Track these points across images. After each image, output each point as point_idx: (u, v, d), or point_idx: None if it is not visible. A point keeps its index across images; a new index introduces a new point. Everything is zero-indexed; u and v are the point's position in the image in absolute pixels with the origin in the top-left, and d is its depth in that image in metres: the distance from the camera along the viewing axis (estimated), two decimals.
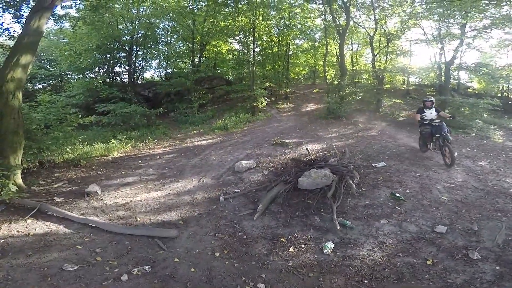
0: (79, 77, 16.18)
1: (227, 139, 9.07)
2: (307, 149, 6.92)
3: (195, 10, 14.56)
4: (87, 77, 15.84)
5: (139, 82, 17.04)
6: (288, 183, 4.90)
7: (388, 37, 12.78)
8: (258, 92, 12.47)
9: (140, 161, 7.32)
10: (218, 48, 16.86)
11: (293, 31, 15.34)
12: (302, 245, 3.53)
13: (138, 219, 4.32)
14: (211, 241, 3.69)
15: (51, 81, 17.32)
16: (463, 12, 9.81)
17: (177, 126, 12.02)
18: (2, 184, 4.34)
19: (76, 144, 7.67)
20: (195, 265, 3.20)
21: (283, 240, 3.66)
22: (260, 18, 13.62)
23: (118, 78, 16.38)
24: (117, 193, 5.28)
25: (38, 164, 6.67)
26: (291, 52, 16.59)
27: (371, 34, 12.84)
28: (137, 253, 3.41)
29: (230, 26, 13.96)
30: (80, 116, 7.50)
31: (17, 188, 4.51)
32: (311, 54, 17.13)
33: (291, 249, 3.46)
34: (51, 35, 15.86)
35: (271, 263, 3.24)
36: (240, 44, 15.36)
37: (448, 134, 5.71)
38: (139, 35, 15.25)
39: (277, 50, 16.06)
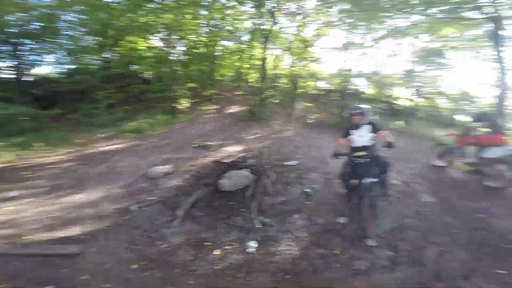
0: None
1: (141, 143, 8.49)
2: (229, 151, 7.10)
3: (112, 3, 13.16)
4: None
5: (29, 79, 14.16)
6: (209, 186, 4.94)
7: (305, 44, 14.23)
8: (180, 93, 12.05)
9: (28, 172, 6.11)
10: (135, 45, 15.36)
11: (223, 32, 15.39)
12: (227, 247, 3.63)
13: (29, 237, 3.72)
14: (125, 254, 3.45)
15: None
16: (367, 23, 11.81)
17: (80, 130, 10.48)
18: None
19: None
20: (108, 279, 2.97)
21: (208, 244, 3.69)
22: (188, 16, 13.19)
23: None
24: None
25: None
26: (218, 53, 16.60)
27: (291, 40, 14.08)
28: (35, 274, 2.98)
29: (153, 22, 13.00)
30: None
31: None
32: (238, 56, 17.53)
33: (216, 252, 3.51)
34: None
35: (198, 268, 3.22)
36: (163, 41, 14.49)
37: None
38: (36, 26, 12.84)
39: (205, 50, 15.79)
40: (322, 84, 17.94)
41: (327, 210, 4.51)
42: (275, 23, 13.12)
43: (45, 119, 10.40)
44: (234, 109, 13.96)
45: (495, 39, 7.03)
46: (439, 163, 6.50)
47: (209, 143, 7.86)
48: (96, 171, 6.18)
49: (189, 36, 14.49)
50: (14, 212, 4.33)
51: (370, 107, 4.29)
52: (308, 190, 5.07)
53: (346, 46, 13.64)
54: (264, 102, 11.76)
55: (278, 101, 12.71)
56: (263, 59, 13.46)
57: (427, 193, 5.14)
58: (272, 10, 12.51)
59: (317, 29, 14.11)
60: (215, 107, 14.17)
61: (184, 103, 12.16)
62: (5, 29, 11.98)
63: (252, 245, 3.60)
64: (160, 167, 5.89)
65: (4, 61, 13.18)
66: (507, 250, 3.43)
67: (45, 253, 3.32)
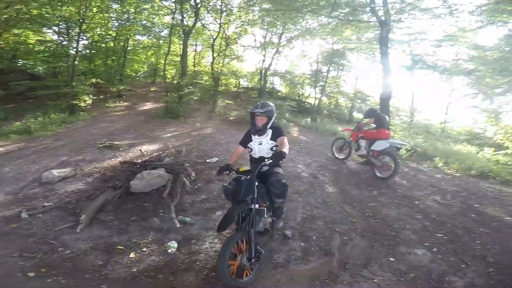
0: None
1: (30, 146, 7.23)
2: (140, 150, 6.65)
3: None
4: None
5: None
6: (118, 188, 4.57)
7: (227, 41, 14.36)
8: (79, 89, 10.81)
9: None
10: (23, 38, 13.15)
11: (136, 27, 14.20)
12: (144, 249, 3.44)
13: None
14: (18, 262, 2.99)
15: None
16: (283, 23, 12.63)
17: None
18: None
19: None
20: None
21: (121, 247, 3.42)
22: (95, 9, 11.99)
23: None
24: None
25: None
26: (130, 48, 15.25)
27: (214, 37, 13.99)
28: None
29: (48, 15, 11.27)
30: None
31: None
32: (153, 52, 16.47)
33: (132, 255, 3.28)
34: None
35: (111, 272, 2.98)
36: (59, 35, 12.48)
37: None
38: None
39: (113, 45, 14.28)
40: (242, 82, 18.70)
41: None
42: (198, 19, 12.87)
43: None
44: (147, 106, 13.25)
45: (381, 41, 8.07)
46: (339, 155, 7.44)
47: (117, 142, 7.19)
48: None
49: (95, 29, 13.26)
50: None
51: (273, 105, 3.33)
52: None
53: (265, 45, 14.44)
54: (183, 99, 11.49)
55: (197, 98, 12.60)
56: (183, 55, 13.06)
57: (330, 184, 5.75)
58: (196, 6, 12.23)
59: (240, 26, 14.50)
60: (125, 104, 13.18)
61: (86, 100, 11.10)
62: None
63: (172, 245, 3.47)
64: (57, 170, 5.11)
65: None
66: (394, 237, 3.77)
67: None
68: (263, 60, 15.22)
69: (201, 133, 9.26)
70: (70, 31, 11.95)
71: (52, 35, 13.49)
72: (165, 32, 16.59)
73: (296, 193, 5.08)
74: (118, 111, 11.94)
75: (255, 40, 16.14)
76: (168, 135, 8.70)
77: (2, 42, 12.59)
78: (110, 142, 7.07)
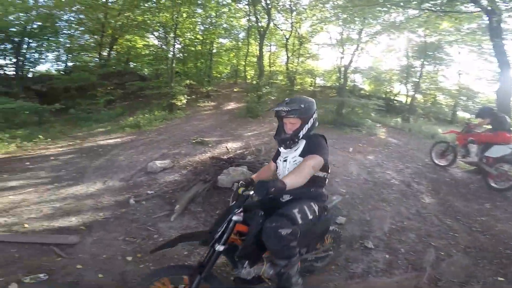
0: None
1: (139, 138, 8.49)
2: (226, 147, 7.07)
3: (109, 3, 13.35)
4: None
5: (31, 76, 14.51)
6: (207, 182, 4.92)
7: (301, 40, 14.15)
8: (177, 90, 12.09)
9: (28, 163, 6.14)
10: (133, 43, 15.69)
11: (218, 30, 15.40)
12: None
13: (27, 225, 3.69)
14: (121, 246, 3.42)
15: None
16: (362, 18, 11.65)
17: (78, 124, 10.54)
18: None
19: None
20: (103, 271, 2.93)
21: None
22: (185, 15, 13.29)
23: (1, 71, 13.50)
24: None
25: None
26: (214, 50, 16.59)
27: (287, 37, 14.00)
28: (28, 261, 2.94)
29: (149, 21, 13.17)
30: None
31: None
32: (234, 53, 17.50)
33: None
34: None
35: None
36: (159, 39, 14.60)
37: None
38: (34, 26, 12.99)
39: (200, 48, 15.80)
40: (318, 81, 18.02)
41: None
42: (270, 20, 13.04)
43: (46, 114, 10.59)
44: (231, 105, 13.99)
45: (492, 32, 6.76)
46: (440, 162, 6.33)
47: (206, 139, 7.84)
48: (96, 164, 6.18)
49: (186, 34, 14.65)
50: (15, 202, 4.31)
51: (311, 100, 2.24)
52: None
53: (342, 42, 13.49)
54: (261, 98, 11.76)
55: (274, 97, 12.72)
56: (259, 56, 13.41)
57: (427, 193, 4.99)
58: (267, 7, 12.41)
59: (312, 25, 14.01)
60: (213, 103, 14.21)
61: (182, 100, 12.27)
62: (7, 29, 12.21)
63: None
64: (159, 162, 5.86)
65: (6, 59, 13.47)
66: (509, 256, 3.23)
67: (43, 242, 3.29)
68: (342, 58, 14.17)
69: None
70: (167, 36, 13.40)
71: (154, 40, 15.52)
72: (242, 34, 17.32)
73: (384, 201, 4.59)
74: (206, 110, 12.96)
75: (330, 37, 15.29)
76: (249, 133, 9.03)
77: (118, 47, 15.16)
78: (201, 138, 7.78)
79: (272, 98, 12.72)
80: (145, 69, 17.10)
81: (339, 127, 9.69)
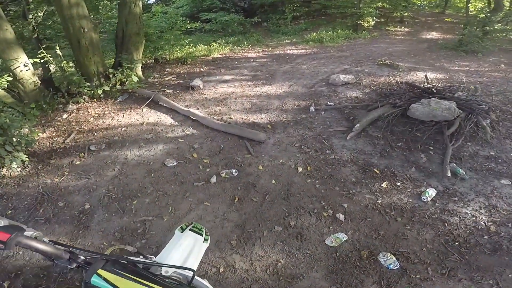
0: None
1: (321, 52, 7.90)
2: (426, 76, 5.27)
3: None
4: None
5: None
6: (397, 107, 3.92)
7: None
8: (365, 10, 10.07)
9: (236, 62, 7.22)
10: None
11: None
12: (398, 183, 2.86)
13: (232, 116, 4.26)
14: (296, 153, 3.36)
15: None
16: None
17: (270, 35, 11.21)
18: (127, 75, 4.92)
19: (183, 46, 8.23)
20: (276, 176, 2.99)
21: (377, 171, 3.03)
22: None
23: None
24: (216, 89, 5.34)
25: (153, 61, 7.36)
26: None
27: None
28: (227, 154, 3.38)
29: None
30: (188, 22, 7.86)
31: (137, 79, 5.04)
32: None
33: (383, 185, 2.85)
34: None
35: (357, 194, 2.74)
36: None
37: None
38: None
39: None
40: None
41: None
42: None
43: (248, 25, 11.92)
44: (432, 35, 10.50)
45: None
46: None
47: (396, 63, 6.14)
48: (284, 69, 6.37)
49: None
50: (227, 93, 5.14)
51: None
52: None
53: None
54: (488, 35, 7.96)
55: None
56: None
57: None
58: None
59: None
60: (407, 30, 11.21)
61: (370, 21, 10.35)
62: None
63: (430, 192, 2.65)
64: (341, 75, 5.19)
65: None
66: None
67: (241, 135, 3.66)
68: None
69: (508, 76, 6.04)
70: None
71: None
72: None
73: None
74: (398, 35, 10.30)
75: None
76: (458, 68, 6.34)
77: None
78: (390, 61, 6.21)
79: (510, 37, 8.41)
80: None
81: None
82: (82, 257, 0.82)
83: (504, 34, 8.57)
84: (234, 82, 5.71)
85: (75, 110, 4.51)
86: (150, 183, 2.95)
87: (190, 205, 2.66)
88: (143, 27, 5.82)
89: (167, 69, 6.79)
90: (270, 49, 8.76)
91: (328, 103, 4.54)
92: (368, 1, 10.86)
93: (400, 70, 5.82)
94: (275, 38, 10.68)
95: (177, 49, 7.98)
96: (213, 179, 2.95)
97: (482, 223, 2.41)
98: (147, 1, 15.06)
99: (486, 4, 11.47)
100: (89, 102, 4.74)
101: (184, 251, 1.11)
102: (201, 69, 6.70)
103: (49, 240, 0.80)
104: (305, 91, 5.06)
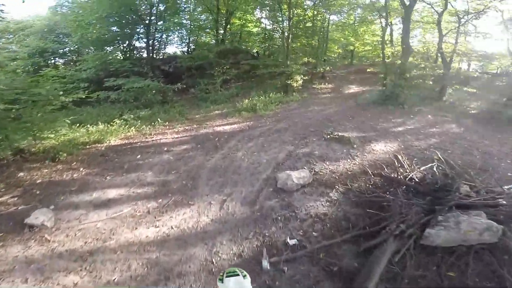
0: (94, 52, 13.81)
1: (257, 125, 6.46)
2: (397, 156, 4.10)
3: None
4: (104, 51, 13.51)
5: (161, 57, 14.76)
6: (402, 235, 2.27)
7: (460, 17, 9.33)
8: (293, 69, 9.78)
9: (139, 156, 4.77)
10: (243, 21, 14.15)
11: (334, 5, 12.16)
12: None
13: None
14: None
15: (68, 56, 14.77)
16: None
17: (197, 105, 9.55)
18: None
19: (58, 130, 5.23)
20: None
21: None
22: None
23: (136, 53, 14.08)
24: (80, 226, 2.87)
25: (12, 155, 4.50)
26: (328, 28, 13.52)
27: (439, 11, 9.40)
28: None
29: None
30: (85, 91, 5.98)
31: None
32: (348, 32, 13.88)
33: None
34: (64, 7, 13.48)
35: None
36: (269, 16, 12.57)
37: None
38: (159, 6, 12.81)
39: (311, 25, 12.94)
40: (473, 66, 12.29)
41: None
42: None
43: (169, 93, 10.02)
44: (353, 89, 10.88)
45: None
46: None
47: (346, 135, 5.11)
48: (211, 164, 4.38)
49: (295, 10, 11.96)
50: (102, 233, 2.82)
51: None
52: None
53: None
54: (407, 82, 8.11)
55: (430, 83, 8.92)
56: (404, 31, 9.38)
57: None
58: None
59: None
60: (330, 86, 11.39)
61: (298, 80, 10.10)
62: (138, 9, 12.25)
63: None
64: (293, 174, 3.52)
65: (140, 41, 13.78)
66: None
67: None
68: None
69: (443, 131, 5.80)
70: (281, 7, 11.51)
71: (263, 18, 13.69)
72: (358, 11, 13.57)
73: None
74: (324, 93, 10.37)
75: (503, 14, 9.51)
76: (400, 129, 5.88)
77: (232, 26, 14.01)
78: (338, 134, 5.12)
79: (429, 83, 9.01)
80: (256, 48, 15.56)
81: None
82: None
83: (424, 81, 8.83)
84: (122, 204, 3.35)
85: None
86: None
87: None
88: None
89: (21, 174, 4.02)
90: (195, 126, 6.81)
91: (289, 240, 2.66)
92: (294, 58, 10.85)
93: (354, 145, 4.71)
94: (203, 108, 9.04)
95: (50, 135, 5.11)
96: None
97: None
98: None
99: (403, 51, 10.50)
100: None
101: None
102: (75, 175, 4.08)
103: None
104: (246, 214, 3.15)
